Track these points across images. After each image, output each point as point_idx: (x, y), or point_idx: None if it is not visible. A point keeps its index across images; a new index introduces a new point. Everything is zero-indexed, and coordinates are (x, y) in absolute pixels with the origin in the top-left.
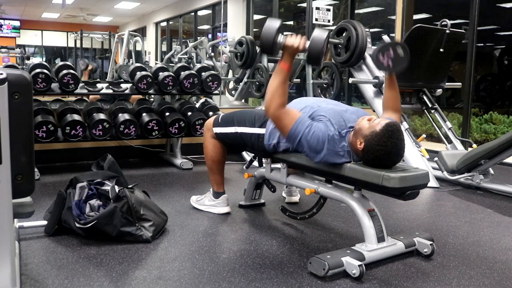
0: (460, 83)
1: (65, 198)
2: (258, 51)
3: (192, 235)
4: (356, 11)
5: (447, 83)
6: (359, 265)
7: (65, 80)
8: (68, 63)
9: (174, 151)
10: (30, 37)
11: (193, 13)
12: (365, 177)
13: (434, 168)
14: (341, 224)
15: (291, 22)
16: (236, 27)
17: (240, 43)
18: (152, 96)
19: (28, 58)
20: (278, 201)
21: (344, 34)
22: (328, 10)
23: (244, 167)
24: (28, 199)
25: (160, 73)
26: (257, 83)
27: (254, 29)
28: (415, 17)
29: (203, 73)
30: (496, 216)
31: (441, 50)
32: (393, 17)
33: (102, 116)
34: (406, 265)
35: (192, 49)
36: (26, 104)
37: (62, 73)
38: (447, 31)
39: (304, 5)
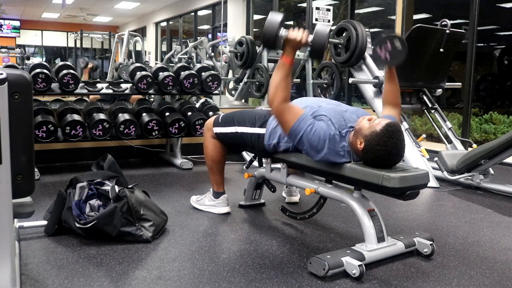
0: (460, 83)
1: (65, 198)
2: (258, 51)
3: (192, 235)
4: (356, 11)
5: (447, 83)
6: (359, 265)
7: (65, 80)
8: (68, 63)
9: (174, 151)
10: (30, 37)
11: (193, 13)
12: (365, 177)
13: (434, 168)
14: (341, 224)
15: (291, 22)
16: (236, 27)
17: (240, 43)
18: (152, 96)
19: (28, 58)
20: (278, 201)
21: (344, 34)
22: (328, 10)
23: (244, 167)
24: (28, 199)
25: (160, 73)
26: (257, 83)
27: (254, 29)
28: (415, 17)
29: (203, 73)
30: (496, 216)
31: (441, 50)
32: (393, 17)
33: (102, 116)
34: (406, 265)
35: (192, 49)
36: (26, 104)
37: (62, 73)
38: (447, 31)
39: (304, 5)
